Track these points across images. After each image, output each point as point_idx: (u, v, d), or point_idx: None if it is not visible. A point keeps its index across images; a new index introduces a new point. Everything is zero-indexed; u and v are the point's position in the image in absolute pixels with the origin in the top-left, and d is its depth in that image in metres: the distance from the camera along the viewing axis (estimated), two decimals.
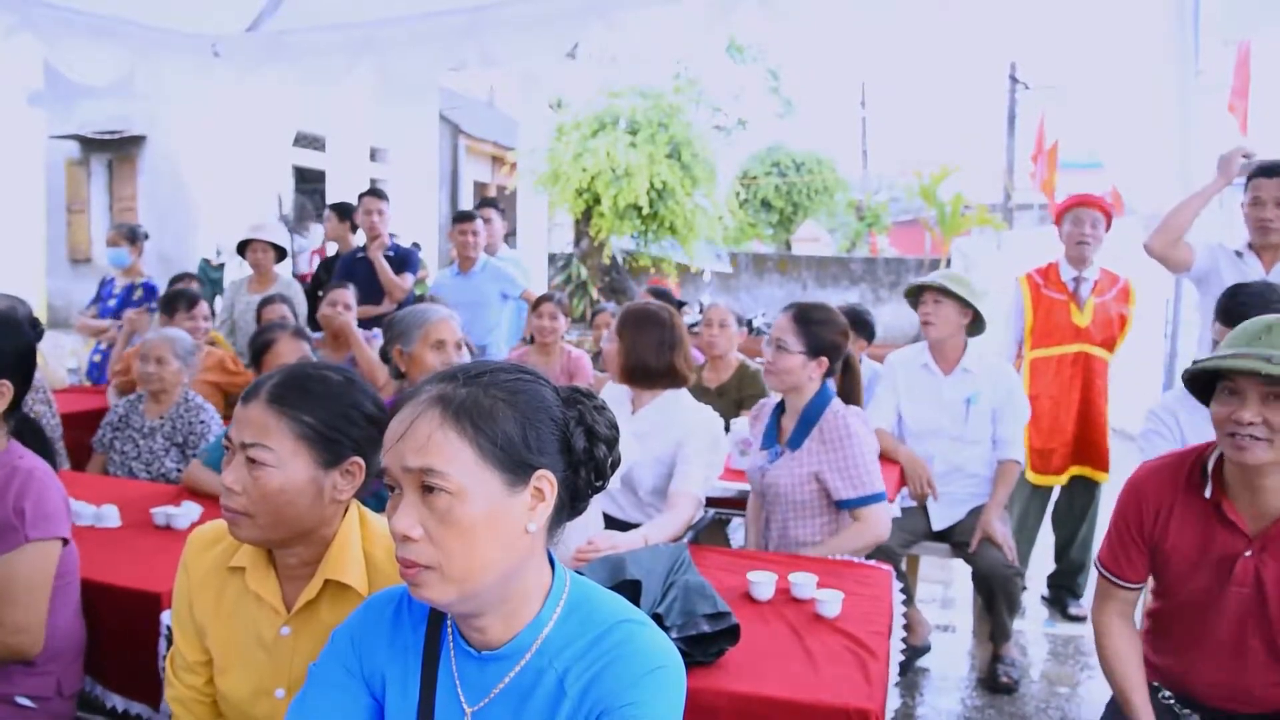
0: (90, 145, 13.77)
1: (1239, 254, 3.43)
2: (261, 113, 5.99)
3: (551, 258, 13.95)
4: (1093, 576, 3.97)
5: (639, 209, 12.06)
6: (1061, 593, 4.14)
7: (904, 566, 3.44)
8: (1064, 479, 4.06)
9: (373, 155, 12.29)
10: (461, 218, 5.36)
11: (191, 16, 5.52)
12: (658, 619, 1.77)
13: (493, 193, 16.90)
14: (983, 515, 3.28)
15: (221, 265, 7.58)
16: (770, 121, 22.06)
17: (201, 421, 3.30)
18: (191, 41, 5.69)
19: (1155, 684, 1.98)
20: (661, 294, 5.28)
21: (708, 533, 3.13)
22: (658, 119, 12.16)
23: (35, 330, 3.34)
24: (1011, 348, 4.16)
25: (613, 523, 2.89)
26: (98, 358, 5.27)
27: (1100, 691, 3.31)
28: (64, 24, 5.14)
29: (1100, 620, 1.96)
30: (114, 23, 5.35)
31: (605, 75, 12.44)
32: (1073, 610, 4.04)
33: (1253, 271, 3.35)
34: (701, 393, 4.01)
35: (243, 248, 5.33)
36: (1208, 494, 1.82)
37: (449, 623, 1.20)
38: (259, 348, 3.39)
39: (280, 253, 5.35)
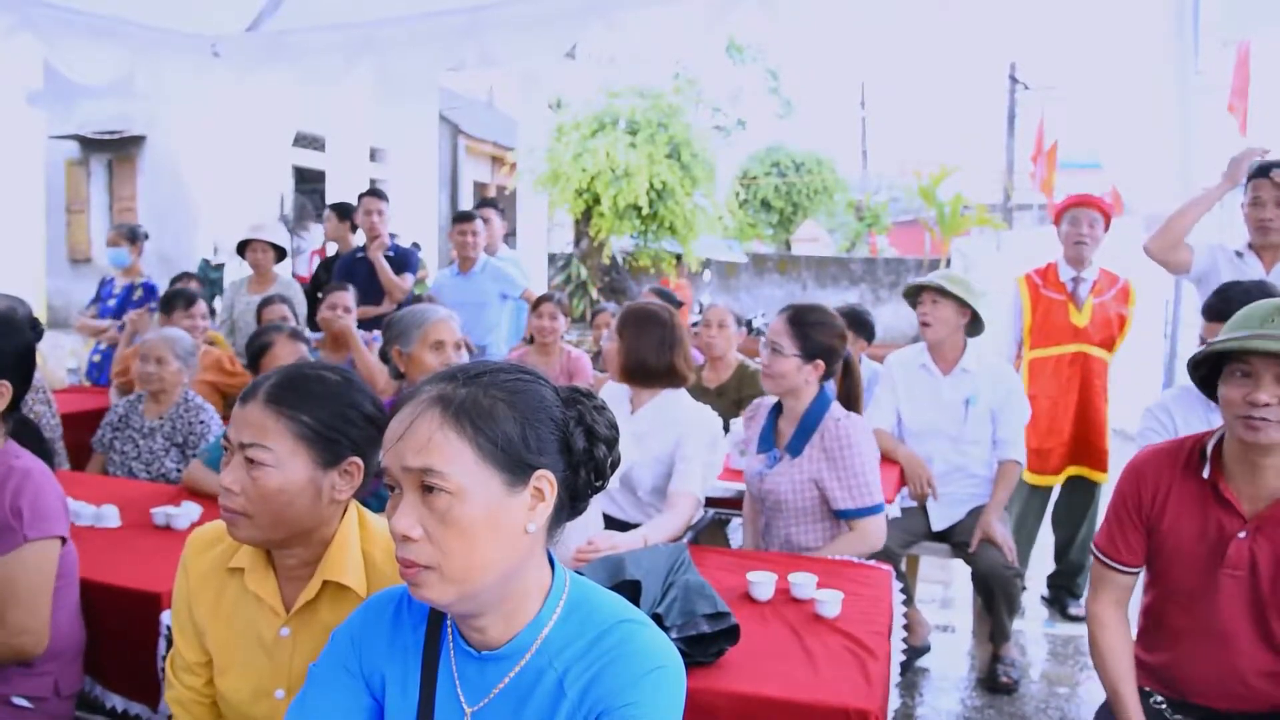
0: (90, 145, 13.77)
1: (1239, 254, 3.43)
2: (261, 113, 6.00)
3: (551, 258, 13.94)
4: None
5: (639, 209, 12.06)
6: (1061, 593, 4.14)
7: (904, 567, 3.44)
8: (1060, 479, 4.06)
9: (372, 155, 12.28)
10: (461, 218, 5.36)
11: (191, 16, 5.52)
12: (657, 619, 1.77)
13: (492, 193, 16.91)
14: (983, 516, 3.28)
15: (220, 265, 7.58)
16: (770, 122, 22.09)
17: (201, 421, 3.30)
18: (191, 41, 5.69)
19: (1147, 689, 1.97)
20: (664, 295, 5.28)
21: (707, 533, 3.13)
22: (657, 119, 12.16)
23: (35, 330, 3.35)
24: (1011, 348, 4.16)
25: (612, 523, 2.89)
26: (97, 358, 5.27)
27: (1099, 691, 3.31)
28: (64, 24, 5.14)
29: (1095, 610, 1.96)
30: (114, 23, 5.35)
31: (605, 75, 12.45)
32: (1072, 610, 4.04)
33: (1253, 271, 3.35)
34: (701, 393, 4.01)
35: (242, 248, 5.33)
36: (1205, 475, 1.83)
37: (449, 623, 1.20)
38: (257, 349, 3.39)
39: (280, 253, 5.34)
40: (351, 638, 1.25)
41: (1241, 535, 1.80)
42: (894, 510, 3.17)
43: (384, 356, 2.87)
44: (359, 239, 5.61)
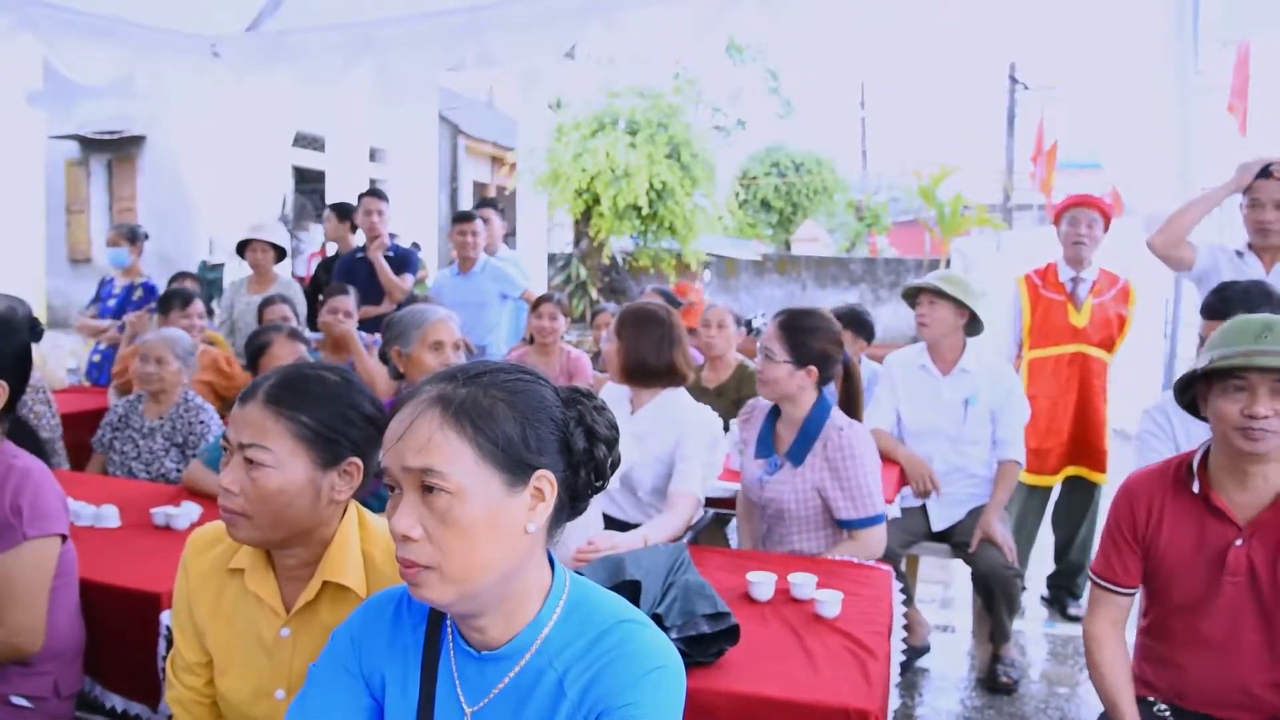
0: (90, 145, 13.78)
1: (1239, 254, 3.44)
2: (261, 113, 6.00)
3: (551, 258, 13.94)
4: None
5: (638, 209, 12.07)
6: (1061, 593, 4.14)
7: (904, 567, 3.44)
8: (1058, 479, 4.06)
9: (372, 155, 12.28)
10: (461, 218, 5.36)
11: (191, 16, 5.52)
12: (657, 619, 1.77)
13: (492, 193, 16.91)
14: (983, 516, 3.28)
15: (217, 265, 7.57)
16: (770, 122, 22.08)
17: (201, 422, 3.30)
18: (191, 41, 5.69)
19: (1150, 699, 1.98)
20: (665, 294, 5.28)
21: (707, 533, 3.14)
22: (657, 119, 12.17)
23: (35, 331, 3.35)
24: (1012, 348, 4.16)
25: (612, 523, 2.88)
26: (97, 358, 5.27)
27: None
28: (64, 24, 5.14)
29: (1091, 630, 1.98)
30: (114, 23, 5.35)
31: (604, 75, 12.45)
32: (1072, 611, 4.04)
33: (1253, 271, 3.36)
34: (700, 393, 4.01)
35: (242, 248, 5.32)
36: (1196, 489, 1.87)
37: (448, 623, 1.20)
38: (255, 349, 3.39)
39: (280, 253, 5.34)
40: (351, 638, 1.25)
41: (1238, 543, 1.82)
42: (894, 510, 3.17)
43: (383, 357, 2.87)
44: (359, 239, 5.61)
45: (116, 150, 13.61)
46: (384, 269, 5.24)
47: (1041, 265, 4.11)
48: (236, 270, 6.10)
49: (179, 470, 3.26)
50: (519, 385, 1.14)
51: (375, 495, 2.14)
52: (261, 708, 1.50)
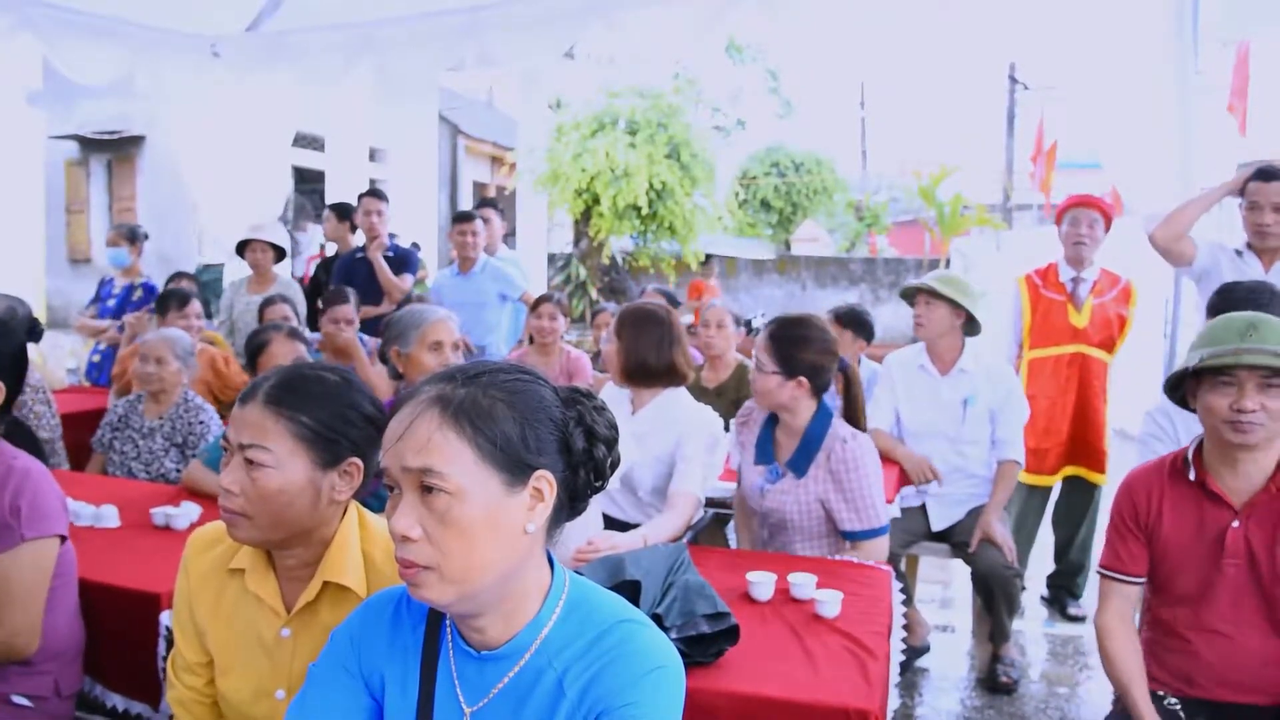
0: (90, 145, 13.78)
1: (1239, 253, 3.45)
2: (261, 113, 5.99)
3: (551, 258, 13.94)
4: (1092, 578, 3.97)
5: (638, 209, 12.07)
6: (1061, 593, 4.14)
7: (903, 567, 3.44)
8: (1057, 479, 4.06)
9: (372, 155, 12.27)
10: (461, 218, 5.36)
11: (191, 16, 5.52)
12: (657, 619, 1.77)
13: (492, 193, 16.91)
14: (982, 516, 3.28)
15: (209, 265, 7.57)
16: (769, 122, 22.08)
17: (201, 422, 3.29)
18: (191, 41, 5.69)
19: (1160, 693, 2.00)
20: (666, 294, 5.27)
21: (707, 533, 3.13)
22: (657, 119, 12.17)
23: (35, 331, 3.35)
24: (1012, 348, 4.16)
25: (612, 523, 2.88)
26: (97, 358, 5.27)
27: (1099, 692, 3.31)
28: (64, 24, 5.14)
29: (1102, 623, 2.03)
30: (114, 23, 5.35)
31: (604, 75, 12.46)
32: (1072, 610, 4.04)
33: (1252, 271, 3.36)
34: (700, 393, 4.01)
35: (242, 248, 5.32)
36: (1192, 476, 1.96)
37: (448, 623, 1.20)
38: (254, 348, 3.39)
39: (280, 253, 5.34)
40: (351, 638, 1.25)
41: (1235, 525, 1.92)
42: (894, 510, 3.17)
43: (382, 357, 2.87)
44: (359, 239, 5.61)
45: (116, 150, 13.61)
46: (383, 269, 5.24)
47: (1042, 265, 4.11)
48: (236, 270, 6.09)
49: (179, 470, 3.26)
50: (518, 385, 1.14)
51: (375, 495, 2.14)
52: (262, 708, 1.50)
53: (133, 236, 5.33)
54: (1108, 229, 3.99)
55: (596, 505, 2.80)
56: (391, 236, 5.63)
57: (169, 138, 6.86)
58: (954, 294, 3.34)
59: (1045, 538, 4.18)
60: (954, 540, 3.40)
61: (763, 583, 2.16)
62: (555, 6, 4.76)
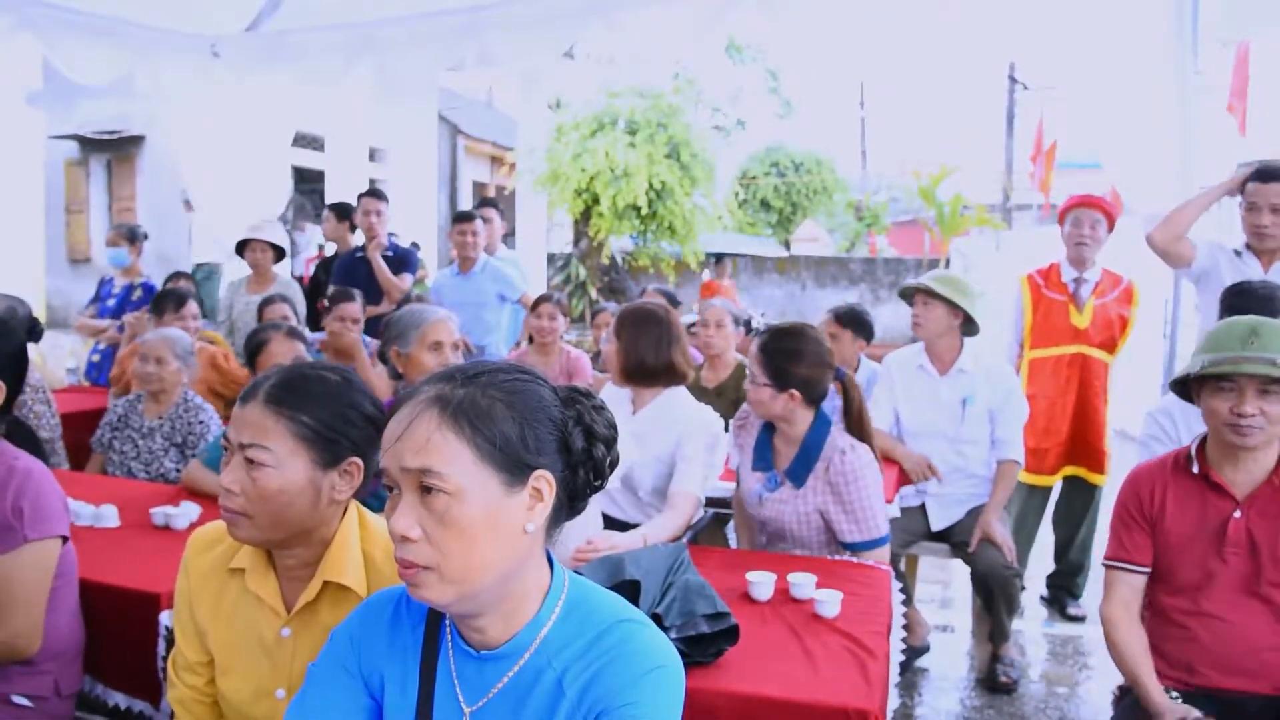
0: (89, 145, 13.78)
1: (1238, 253, 3.45)
2: (261, 113, 5.98)
3: (550, 258, 13.95)
4: (1092, 578, 3.97)
5: (638, 209, 12.08)
6: (1060, 593, 4.14)
7: (903, 566, 3.44)
8: (1056, 479, 4.06)
9: (372, 155, 12.29)
10: (461, 218, 5.36)
11: (191, 16, 5.51)
12: (657, 619, 1.77)
13: (492, 193, 16.91)
14: (982, 515, 3.28)
15: (201, 264, 7.56)
16: (769, 122, 22.10)
17: (200, 421, 3.29)
18: (191, 41, 5.68)
19: (1165, 688, 2.02)
20: (667, 294, 5.27)
21: (707, 533, 3.13)
22: (657, 119, 12.18)
23: (35, 331, 3.35)
24: (1013, 348, 4.16)
25: (612, 523, 2.88)
26: (96, 358, 5.27)
27: (1099, 692, 3.32)
28: (64, 24, 5.14)
29: (1108, 613, 2.08)
30: (114, 23, 5.35)
31: (604, 75, 12.47)
32: (1071, 610, 4.04)
33: (1252, 271, 3.36)
34: (700, 392, 4.01)
35: (241, 248, 5.32)
36: (1195, 470, 2.04)
37: (447, 622, 1.20)
38: (254, 347, 3.39)
39: (279, 253, 5.34)
40: (350, 638, 1.25)
41: (1237, 515, 1.98)
42: (894, 510, 3.17)
43: (382, 357, 2.87)
44: (359, 239, 5.61)
45: (116, 150, 13.61)
46: (382, 269, 5.24)
47: (1044, 265, 4.11)
48: (234, 270, 6.09)
49: (178, 470, 3.26)
50: (517, 385, 1.14)
51: (375, 495, 2.14)
52: (262, 708, 1.50)
53: (132, 236, 5.33)
54: (1110, 229, 3.98)
55: (596, 505, 2.79)
56: (391, 236, 5.63)
57: (169, 138, 6.85)
58: (951, 294, 3.34)
59: (1045, 538, 4.18)
60: (954, 540, 3.40)
61: (762, 583, 2.16)
62: (555, 6, 4.76)
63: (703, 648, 1.79)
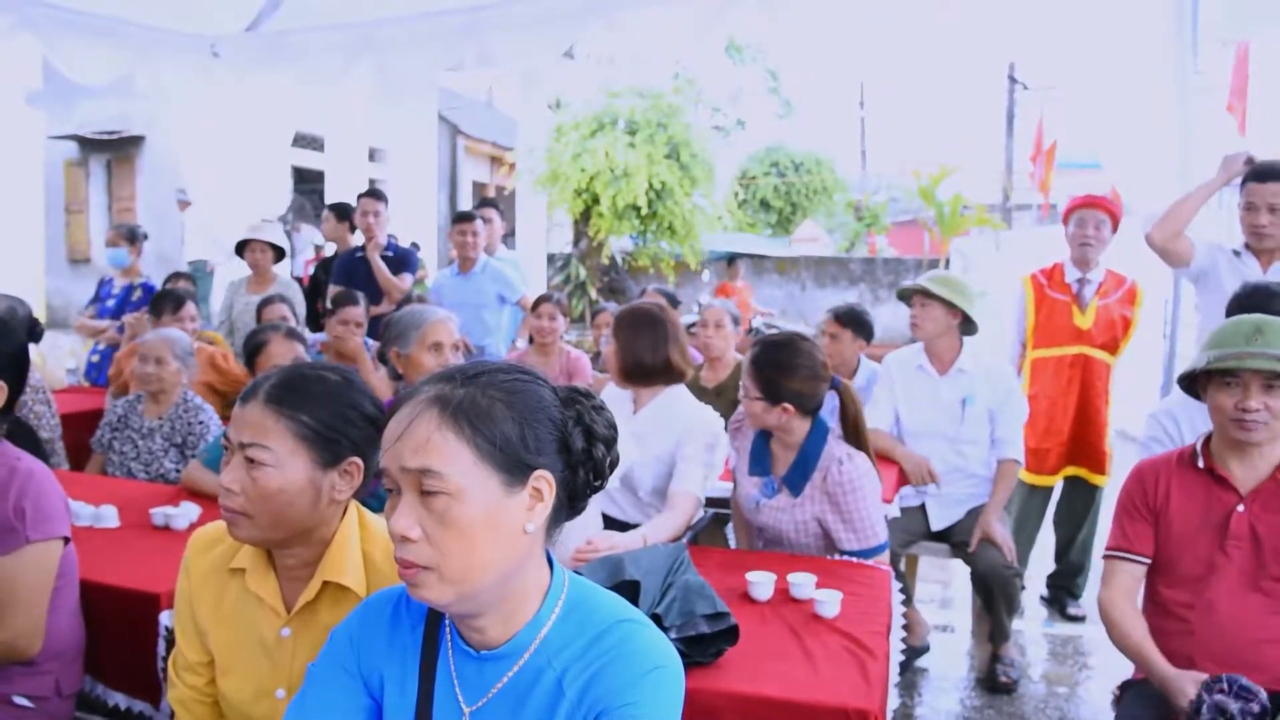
0: (89, 145, 13.78)
1: (1237, 253, 3.44)
2: (261, 113, 5.99)
3: (550, 258, 13.95)
4: (1092, 579, 3.97)
5: (638, 209, 12.07)
6: (1060, 593, 4.14)
7: (903, 566, 3.44)
8: (1057, 480, 4.06)
9: (371, 155, 12.30)
10: (461, 218, 5.35)
11: (191, 17, 5.51)
12: (656, 619, 1.77)
13: (491, 193, 16.91)
14: (982, 515, 3.28)
15: (193, 262, 7.57)
16: (769, 122, 22.12)
17: (200, 422, 3.29)
18: (191, 41, 5.68)
19: None
20: (667, 294, 5.27)
21: (707, 533, 3.13)
22: (656, 119, 12.17)
23: (35, 331, 3.35)
24: (1015, 347, 4.16)
25: (612, 523, 2.88)
26: (96, 358, 5.27)
27: (1099, 692, 3.32)
28: (63, 24, 5.14)
29: (1107, 598, 2.10)
30: (113, 23, 5.35)
31: (604, 75, 12.47)
32: (1072, 611, 4.04)
33: (1250, 271, 3.36)
34: (699, 392, 4.01)
35: (241, 248, 5.32)
36: (1201, 464, 2.07)
37: (447, 622, 1.20)
38: (253, 348, 3.38)
39: (279, 253, 5.34)
40: (350, 638, 1.25)
41: (1240, 509, 2.01)
42: (894, 510, 3.17)
43: (382, 358, 2.87)
44: (359, 239, 5.60)
45: (116, 150, 13.61)
46: (381, 269, 5.23)
47: (1048, 265, 4.10)
48: (234, 270, 6.09)
49: (178, 470, 3.26)
50: (517, 385, 1.14)
51: (375, 495, 2.14)
52: (262, 708, 1.50)
53: (132, 237, 5.33)
54: (1115, 230, 3.96)
55: (596, 505, 2.79)
56: (391, 237, 5.63)
57: (169, 138, 6.86)
58: (949, 294, 3.34)
59: (1045, 538, 4.18)
60: (954, 540, 3.40)
61: (762, 583, 2.16)
62: (555, 6, 4.76)
63: (702, 648, 1.79)
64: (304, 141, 11.52)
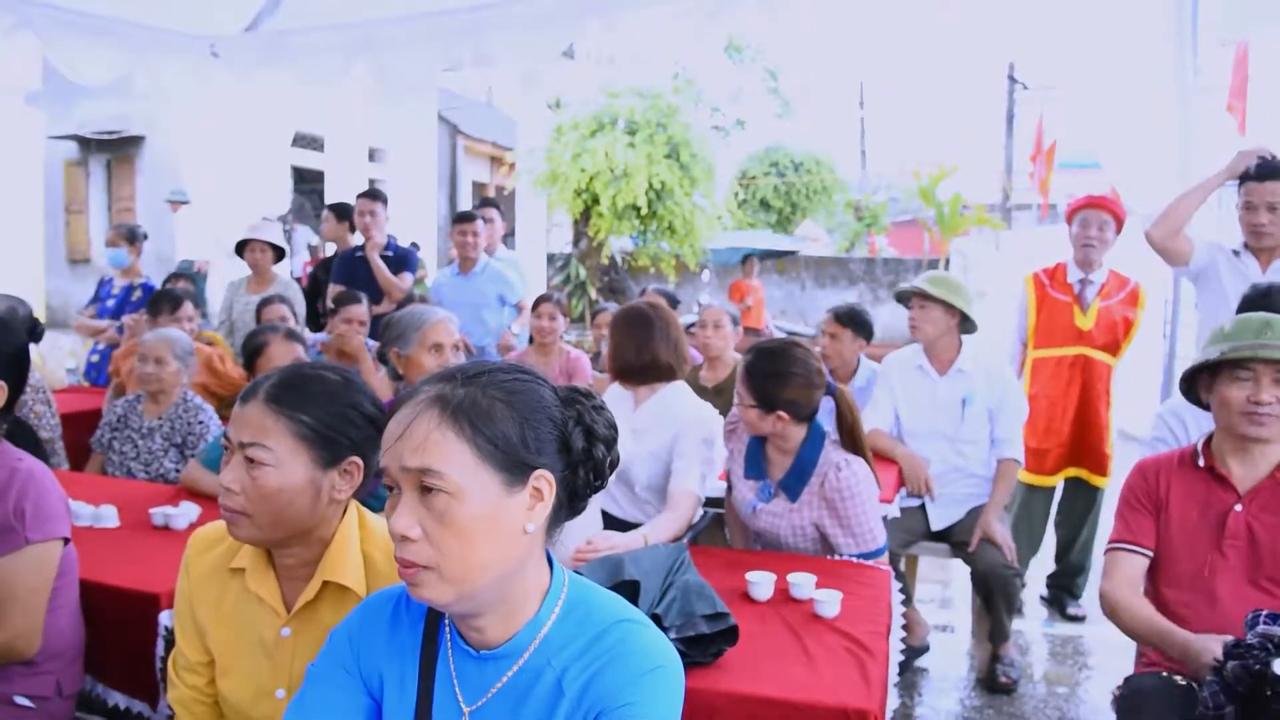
0: (89, 145, 13.76)
1: (1236, 253, 3.44)
2: (260, 113, 5.98)
3: (550, 258, 13.96)
4: (1092, 579, 3.97)
5: (637, 209, 12.07)
6: (1060, 593, 4.14)
7: (903, 566, 3.44)
8: (1056, 480, 4.06)
9: (371, 155, 12.30)
10: (462, 218, 5.35)
11: (190, 17, 5.51)
12: (656, 619, 1.77)
13: (491, 193, 16.91)
14: (982, 515, 3.28)
15: (184, 261, 7.57)
16: (769, 121, 22.10)
17: (200, 422, 3.29)
18: (190, 42, 5.68)
19: (1164, 673, 2.04)
20: (666, 294, 5.27)
21: (707, 533, 3.14)
22: (656, 119, 12.17)
23: (36, 331, 3.35)
24: (1016, 347, 4.16)
25: (609, 519, 2.89)
26: (95, 358, 5.27)
27: (1099, 692, 3.32)
28: (63, 24, 5.13)
29: (1110, 588, 2.09)
30: (113, 23, 5.34)
31: (604, 75, 12.46)
32: (1072, 610, 4.04)
33: (1250, 270, 3.37)
34: (699, 392, 4.00)
35: (241, 248, 5.32)
36: (1201, 463, 2.09)
37: (447, 622, 1.20)
38: (252, 351, 3.38)
39: (279, 253, 5.34)
40: (349, 637, 1.25)
41: (1238, 509, 2.02)
42: (893, 510, 3.17)
43: (382, 358, 2.87)
44: (359, 239, 5.60)
45: (115, 150, 13.60)
46: (380, 269, 5.22)
47: (1051, 265, 4.10)
48: (235, 270, 6.09)
49: (178, 470, 3.26)
50: (517, 385, 1.14)
51: (375, 495, 2.14)
52: (262, 708, 1.50)
53: (132, 237, 5.33)
54: (1119, 231, 3.96)
55: (595, 505, 2.80)
56: (391, 237, 5.62)
57: (168, 138, 6.86)
58: (946, 295, 3.35)
59: (1045, 538, 4.18)
60: (953, 540, 3.40)
61: (762, 583, 2.16)
62: (555, 6, 4.76)
63: (702, 648, 1.79)
64: (304, 141, 11.52)
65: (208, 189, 6.33)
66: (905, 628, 2.93)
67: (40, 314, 5.48)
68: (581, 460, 1.16)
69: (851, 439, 2.62)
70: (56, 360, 6.64)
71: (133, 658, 2.11)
